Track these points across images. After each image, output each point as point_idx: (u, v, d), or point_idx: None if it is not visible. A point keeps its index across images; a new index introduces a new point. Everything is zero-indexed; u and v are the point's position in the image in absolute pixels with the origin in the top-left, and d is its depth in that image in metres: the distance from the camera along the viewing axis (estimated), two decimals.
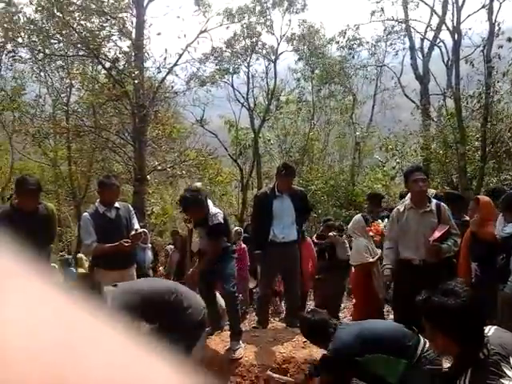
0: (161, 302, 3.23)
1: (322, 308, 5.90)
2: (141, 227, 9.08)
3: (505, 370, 1.78)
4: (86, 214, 4.67)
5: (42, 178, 16.94)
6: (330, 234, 6.73)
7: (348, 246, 6.70)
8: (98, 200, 4.77)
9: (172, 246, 9.47)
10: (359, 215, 5.91)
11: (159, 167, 10.88)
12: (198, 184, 6.62)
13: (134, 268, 4.90)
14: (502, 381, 1.75)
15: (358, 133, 17.10)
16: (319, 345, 3.59)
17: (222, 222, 4.32)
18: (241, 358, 4.20)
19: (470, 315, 1.87)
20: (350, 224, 5.86)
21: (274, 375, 3.77)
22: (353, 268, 5.89)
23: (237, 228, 8.52)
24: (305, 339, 4.51)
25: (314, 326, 3.37)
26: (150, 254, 8.22)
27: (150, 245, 8.38)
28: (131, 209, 4.86)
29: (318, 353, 4.28)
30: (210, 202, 4.39)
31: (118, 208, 4.66)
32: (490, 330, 1.94)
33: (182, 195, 4.51)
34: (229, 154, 15.75)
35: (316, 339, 3.52)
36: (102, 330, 0.33)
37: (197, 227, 4.63)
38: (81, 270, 9.52)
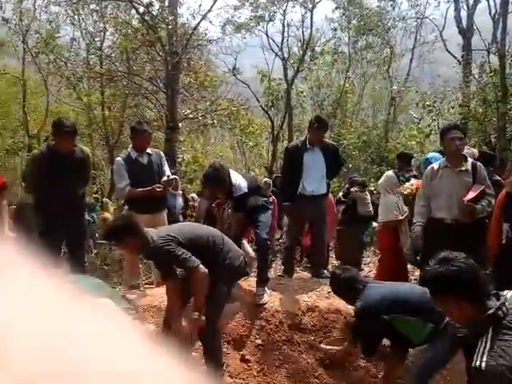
0: (203, 245, 3.31)
1: (342, 259, 5.97)
2: (171, 174, 9.28)
3: None
4: (119, 158, 4.75)
5: (76, 121, 17.21)
6: (352, 189, 6.77)
7: (369, 201, 6.93)
8: (130, 145, 4.84)
9: (195, 195, 9.62)
10: (391, 172, 5.83)
11: (190, 115, 10.86)
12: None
13: (165, 213, 5.01)
14: None
15: (394, 87, 16.57)
16: (347, 300, 3.64)
17: (246, 190, 4.31)
18: (266, 303, 4.31)
19: (468, 277, 1.88)
20: (382, 180, 5.81)
21: (326, 347, 3.84)
22: (375, 224, 5.94)
23: (266, 179, 8.54)
24: (329, 290, 4.61)
25: (344, 283, 3.42)
26: (180, 200, 8.37)
27: (180, 191, 8.51)
28: (162, 155, 4.93)
29: (341, 304, 4.37)
30: (233, 173, 4.31)
31: (149, 154, 4.74)
32: (509, 293, 1.95)
33: (205, 172, 4.48)
34: (260, 105, 15.56)
35: (344, 295, 3.57)
36: (103, 327, 0.33)
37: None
38: (106, 215, 9.76)
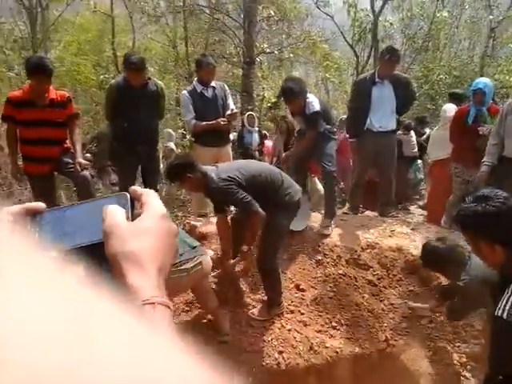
0: (261, 182, 3.34)
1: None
2: (249, 110, 9.28)
3: None
4: (184, 92, 4.82)
5: (163, 57, 17.55)
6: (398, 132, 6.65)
7: (414, 142, 7.34)
8: (195, 79, 4.88)
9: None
10: (450, 105, 5.54)
11: (268, 50, 10.64)
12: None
13: (230, 146, 5.09)
14: None
15: (492, 16, 14.92)
16: (443, 273, 3.35)
17: (319, 109, 4.23)
18: (329, 234, 4.33)
19: (505, 219, 1.73)
20: (445, 113, 5.49)
21: (414, 304, 3.76)
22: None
23: (342, 116, 8.30)
24: (393, 229, 4.52)
25: (447, 256, 3.04)
26: (256, 137, 8.40)
27: (257, 128, 8.54)
28: (226, 88, 4.93)
29: (404, 243, 4.29)
30: (308, 91, 4.27)
31: (214, 87, 4.76)
32: None
33: (281, 86, 4.42)
34: (345, 39, 14.76)
35: (443, 268, 3.18)
36: (115, 321, 0.31)
37: (295, 116, 4.58)
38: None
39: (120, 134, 4.58)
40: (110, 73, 17.87)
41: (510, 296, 1.68)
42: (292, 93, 4.11)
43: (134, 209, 0.61)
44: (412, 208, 7.29)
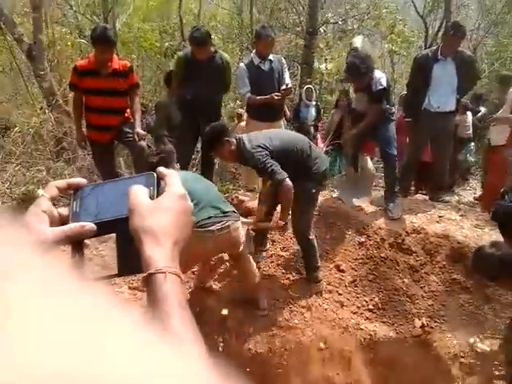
0: (292, 150, 3.40)
1: None
2: (308, 83, 9.17)
3: None
4: (242, 64, 4.84)
5: (229, 25, 17.51)
6: None
7: (469, 124, 7.10)
8: (253, 51, 4.89)
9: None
10: None
11: (331, 20, 10.36)
12: (358, 40, 6.22)
13: (283, 121, 5.10)
14: None
15: None
16: (498, 283, 2.90)
17: (385, 86, 4.17)
18: (399, 217, 4.31)
19: None
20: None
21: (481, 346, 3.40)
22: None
23: (403, 92, 8.01)
24: (441, 214, 4.43)
25: (502, 264, 2.58)
26: (313, 111, 8.31)
27: (314, 102, 8.43)
28: (284, 62, 4.91)
29: (451, 230, 4.21)
30: (374, 68, 4.19)
31: (271, 61, 4.75)
32: None
33: (347, 62, 4.34)
34: (415, 9, 14.04)
35: (499, 278, 2.69)
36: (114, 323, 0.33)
37: (357, 92, 4.50)
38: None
39: (183, 106, 4.72)
40: (176, 40, 18.12)
41: None
42: (358, 71, 4.05)
43: (159, 187, 0.70)
44: (459, 191, 7.04)
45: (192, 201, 2.43)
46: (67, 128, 6.54)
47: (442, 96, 4.64)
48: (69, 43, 9.51)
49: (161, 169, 0.72)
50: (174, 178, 0.71)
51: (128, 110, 4.48)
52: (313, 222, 3.75)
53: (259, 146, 3.26)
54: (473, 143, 7.43)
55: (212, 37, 4.80)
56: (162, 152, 3.34)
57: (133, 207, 0.65)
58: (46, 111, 7.01)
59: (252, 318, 3.46)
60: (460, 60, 4.58)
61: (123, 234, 0.65)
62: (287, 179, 3.18)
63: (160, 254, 0.62)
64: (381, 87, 4.12)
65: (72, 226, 0.65)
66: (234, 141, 3.33)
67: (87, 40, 11.05)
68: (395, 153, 4.33)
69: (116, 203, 0.68)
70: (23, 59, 8.09)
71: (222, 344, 3.32)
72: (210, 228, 3.01)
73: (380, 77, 4.14)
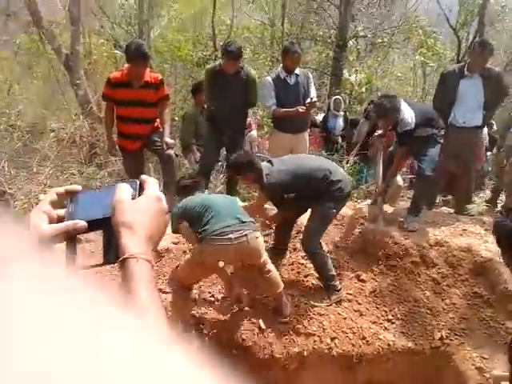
0: (312, 178, 3.59)
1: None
2: (336, 94, 9.23)
3: None
4: (268, 78, 4.97)
5: (261, 36, 17.70)
6: None
7: (486, 134, 6.91)
8: (280, 65, 5.01)
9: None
10: None
11: (361, 33, 10.40)
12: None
13: (307, 133, 5.19)
14: None
15: None
16: None
17: (411, 127, 4.23)
18: (415, 230, 4.37)
19: None
20: None
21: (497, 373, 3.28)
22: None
23: None
24: (465, 227, 4.42)
25: None
26: (341, 121, 8.36)
27: (342, 112, 8.47)
28: (310, 76, 5.01)
29: (475, 243, 4.20)
30: (404, 106, 4.26)
31: (297, 75, 4.87)
32: None
33: (376, 101, 4.47)
34: (448, 22, 13.92)
35: None
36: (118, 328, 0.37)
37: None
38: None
39: (210, 117, 4.91)
40: (208, 50, 18.45)
41: None
42: (383, 110, 4.21)
43: (141, 191, 0.81)
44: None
45: (211, 211, 2.58)
46: (100, 134, 6.78)
47: (467, 111, 4.65)
48: (104, 54, 9.83)
49: (143, 176, 0.84)
50: (152, 183, 0.83)
51: (158, 120, 4.65)
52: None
53: (273, 184, 3.54)
54: (489, 153, 7.54)
55: (243, 47, 4.94)
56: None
57: (115, 204, 0.77)
58: (81, 118, 7.29)
59: (271, 323, 3.53)
60: (487, 76, 4.58)
61: (109, 229, 0.77)
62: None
63: (134, 242, 0.73)
64: (406, 128, 4.21)
65: (67, 223, 0.77)
66: (256, 173, 3.56)
67: (122, 51, 11.41)
68: (429, 174, 4.40)
69: (105, 205, 0.79)
70: (61, 68, 8.43)
71: (237, 348, 3.40)
72: (228, 236, 3.14)
73: (405, 118, 4.20)
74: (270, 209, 4.03)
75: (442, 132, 4.64)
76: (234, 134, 4.84)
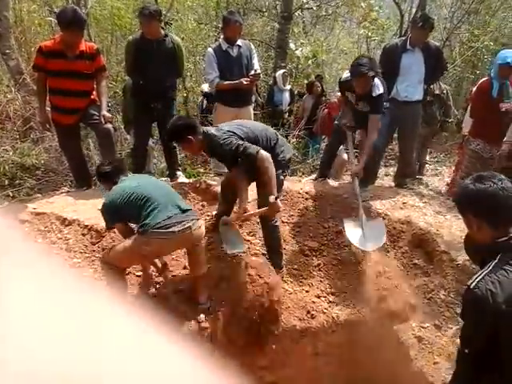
0: (259, 138, 3.44)
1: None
2: (282, 68, 9.14)
3: None
4: (209, 49, 4.81)
5: (205, 5, 17.22)
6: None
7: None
8: (221, 37, 4.86)
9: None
10: None
11: (306, 5, 10.31)
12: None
13: (252, 107, 5.11)
14: None
15: None
16: None
17: (383, 91, 4.18)
18: (368, 199, 4.42)
19: (494, 200, 1.77)
20: None
21: None
22: None
23: None
24: (405, 201, 4.52)
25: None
26: (287, 96, 8.30)
27: (288, 87, 8.42)
28: (252, 47, 4.91)
29: (413, 217, 4.30)
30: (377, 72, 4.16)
31: (239, 46, 4.74)
32: None
33: (352, 64, 4.24)
34: None
35: None
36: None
37: (359, 101, 4.40)
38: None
39: (136, 91, 4.68)
40: None
41: (484, 271, 1.77)
42: (362, 69, 4.01)
43: None
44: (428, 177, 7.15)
45: (149, 202, 2.41)
46: (35, 108, 6.40)
47: (409, 85, 4.72)
48: (37, 21, 9.22)
49: None
50: None
51: (94, 93, 4.42)
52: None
53: (228, 132, 3.29)
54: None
55: (162, 20, 4.71)
56: (113, 161, 3.42)
57: None
58: (13, 90, 6.85)
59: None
60: (428, 50, 4.66)
61: None
62: (262, 150, 3.20)
63: None
64: (379, 93, 4.14)
65: None
66: (200, 136, 3.34)
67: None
68: (379, 144, 4.46)
69: None
70: None
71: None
72: (172, 229, 3.00)
73: (377, 83, 4.15)
74: (216, 185, 3.92)
75: (388, 104, 4.67)
76: (164, 107, 4.64)
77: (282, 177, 3.55)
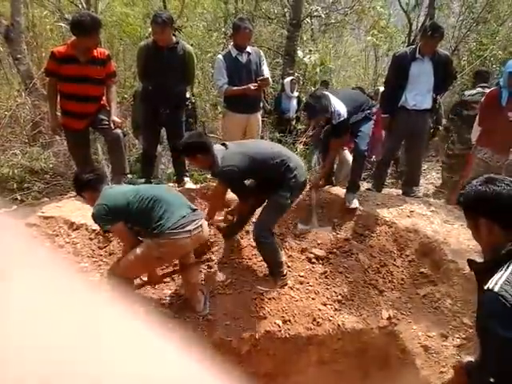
0: (267, 165, 3.48)
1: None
2: (290, 75, 9.15)
3: None
4: (219, 56, 4.85)
5: (214, 13, 17.30)
6: None
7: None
8: (231, 43, 4.89)
9: None
10: None
11: (315, 13, 10.35)
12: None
13: (260, 113, 5.12)
14: None
15: None
16: None
17: (345, 117, 4.20)
18: (356, 208, 4.40)
19: (506, 201, 1.75)
20: None
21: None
22: None
23: (379, 87, 8.04)
24: (412, 209, 4.51)
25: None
26: (295, 103, 8.30)
27: (296, 94, 8.42)
28: (261, 54, 4.92)
29: (421, 225, 4.28)
30: (333, 100, 4.18)
31: (249, 53, 4.76)
32: None
33: (305, 101, 4.43)
34: (400, 4, 14.09)
35: None
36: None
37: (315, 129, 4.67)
38: None
39: (145, 96, 4.71)
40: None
41: (504, 273, 1.69)
42: (312, 111, 4.19)
43: None
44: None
45: (161, 204, 2.44)
46: (44, 112, 6.46)
47: (418, 94, 4.73)
48: (48, 27, 9.30)
49: None
50: None
51: (104, 98, 4.45)
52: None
53: (229, 168, 3.37)
54: None
55: (174, 27, 4.74)
56: (94, 170, 3.33)
57: None
58: (23, 94, 6.91)
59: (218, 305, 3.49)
60: (437, 59, 4.66)
61: None
62: (246, 201, 3.69)
63: None
64: (340, 119, 4.18)
65: None
66: (208, 157, 3.41)
67: (68, 23, 10.86)
68: (365, 148, 4.47)
69: None
70: (0, 41, 7.93)
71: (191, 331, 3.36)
72: (187, 228, 3.04)
73: (338, 109, 4.16)
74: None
75: (374, 110, 4.69)
76: (172, 114, 4.64)
77: (289, 201, 3.60)
